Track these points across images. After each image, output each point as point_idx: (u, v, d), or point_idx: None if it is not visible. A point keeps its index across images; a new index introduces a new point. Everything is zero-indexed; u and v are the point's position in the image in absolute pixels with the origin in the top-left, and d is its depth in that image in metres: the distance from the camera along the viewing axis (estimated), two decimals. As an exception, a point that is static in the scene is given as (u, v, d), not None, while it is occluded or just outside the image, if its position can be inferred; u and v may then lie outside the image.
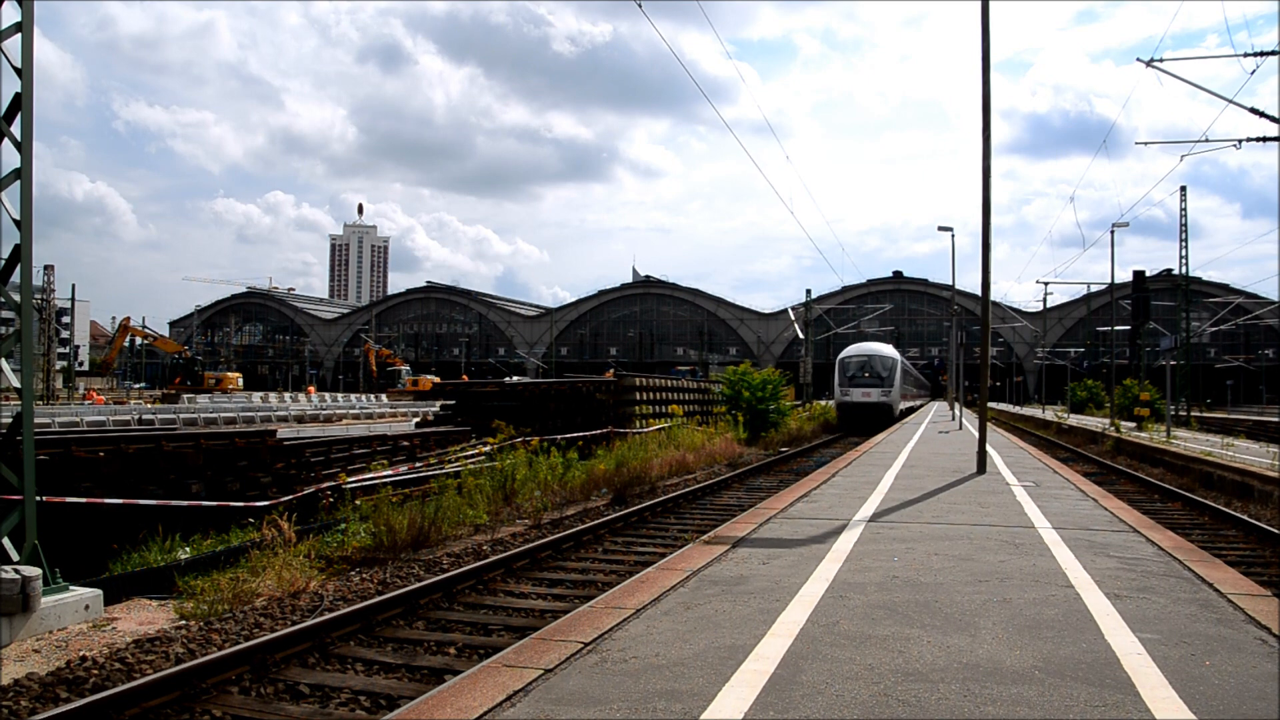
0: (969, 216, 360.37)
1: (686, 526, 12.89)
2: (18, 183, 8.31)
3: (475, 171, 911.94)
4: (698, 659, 4.50)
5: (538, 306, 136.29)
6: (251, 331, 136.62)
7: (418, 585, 8.53)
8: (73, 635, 7.75)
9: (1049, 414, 55.78)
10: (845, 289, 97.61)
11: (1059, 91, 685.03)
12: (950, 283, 41.33)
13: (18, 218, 8.32)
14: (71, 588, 8.28)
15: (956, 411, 36.37)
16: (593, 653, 4.65)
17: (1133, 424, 35.82)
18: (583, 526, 12.06)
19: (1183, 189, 46.01)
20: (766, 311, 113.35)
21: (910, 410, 50.38)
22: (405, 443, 19.31)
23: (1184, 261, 45.93)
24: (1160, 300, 57.63)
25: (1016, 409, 73.92)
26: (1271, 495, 16.04)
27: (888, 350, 40.63)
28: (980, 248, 14.18)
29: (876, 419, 36.40)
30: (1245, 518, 13.94)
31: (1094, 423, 41.22)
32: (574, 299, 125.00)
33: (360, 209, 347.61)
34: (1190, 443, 26.66)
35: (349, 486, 13.90)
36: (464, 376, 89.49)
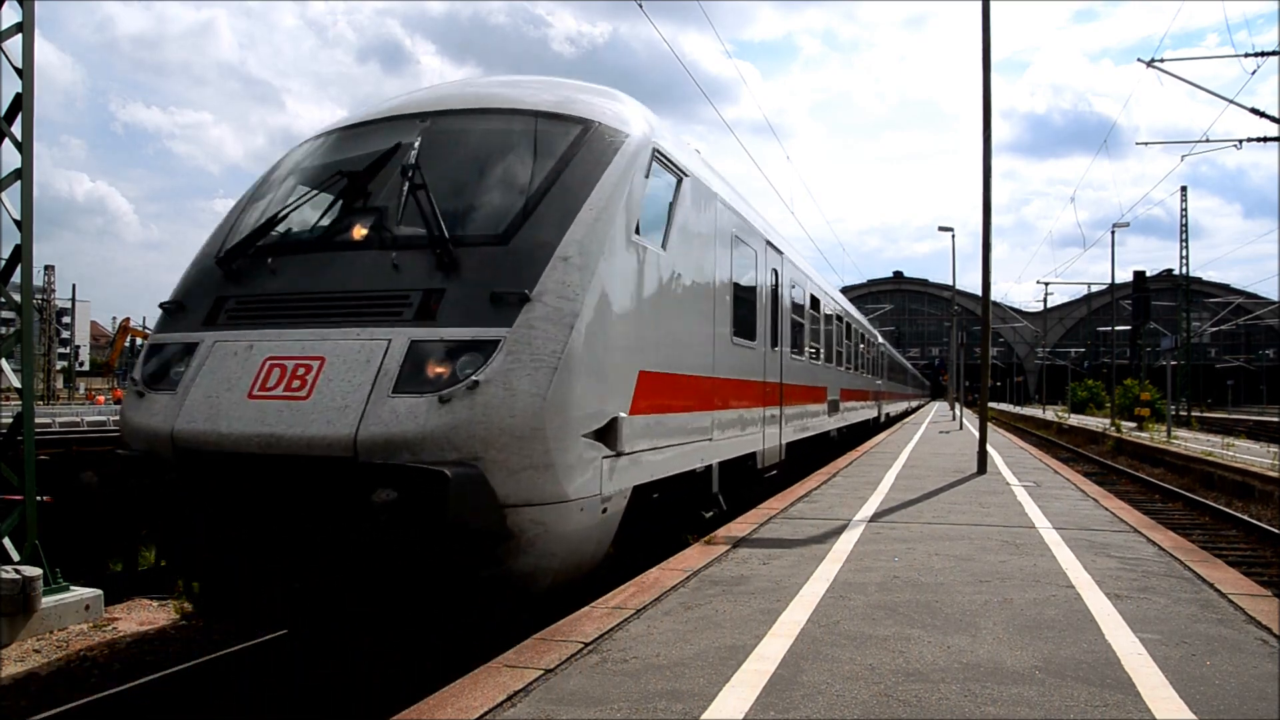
0: (969, 216, 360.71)
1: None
2: (18, 183, 8.32)
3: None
4: (698, 659, 4.50)
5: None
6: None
7: (418, 585, 8.51)
8: (73, 635, 7.75)
9: (1049, 414, 55.81)
10: (845, 289, 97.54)
11: (1058, 91, 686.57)
12: (950, 283, 41.32)
13: (18, 218, 8.33)
14: (72, 588, 8.28)
15: (957, 411, 36.38)
16: (593, 653, 4.64)
17: (1133, 424, 35.83)
18: (583, 526, 12.02)
19: (1183, 189, 46.16)
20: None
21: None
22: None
23: (1184, 261, 46.02)
24: (1160, 300, 57.59)
25: (1017, 409, 73.99)
26: (1272, 495, 16.04)
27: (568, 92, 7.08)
28: (980, 247, 14.18)
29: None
30: (1246, 518, 13.96)
31: (1094, 423, 41.23)
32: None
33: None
34: (1191, 443, 26.66)
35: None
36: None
